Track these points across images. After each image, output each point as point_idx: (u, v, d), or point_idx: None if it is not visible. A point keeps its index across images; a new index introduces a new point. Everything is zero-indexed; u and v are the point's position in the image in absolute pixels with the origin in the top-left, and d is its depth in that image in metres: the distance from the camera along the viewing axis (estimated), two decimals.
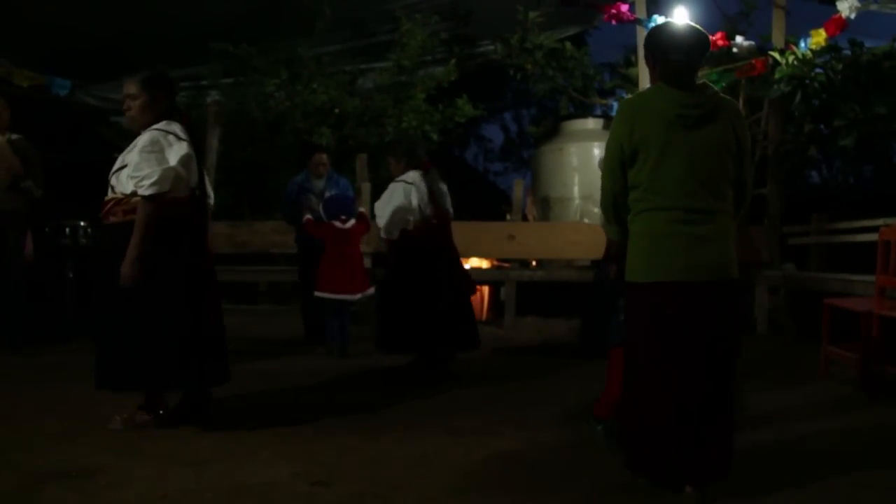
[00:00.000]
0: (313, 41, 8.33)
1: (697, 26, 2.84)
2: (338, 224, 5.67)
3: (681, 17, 7.02)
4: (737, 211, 2.89)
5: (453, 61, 8.76)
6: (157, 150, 3.44)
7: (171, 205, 3.46)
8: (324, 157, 6.30)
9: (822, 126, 7.69)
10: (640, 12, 7.29)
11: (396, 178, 5.07)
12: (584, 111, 9.36)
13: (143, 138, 3.47)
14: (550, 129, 9.78)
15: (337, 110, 8.43)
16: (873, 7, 6.58)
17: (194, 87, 8.73)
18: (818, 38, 6.77)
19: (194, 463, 3.10)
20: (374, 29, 8.84)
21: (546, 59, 8.32)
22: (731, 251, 2.76)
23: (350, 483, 2.92)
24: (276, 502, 2.74)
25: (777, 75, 7.00)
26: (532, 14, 8.03)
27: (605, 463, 3.13)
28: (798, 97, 7.02)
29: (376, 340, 5.09)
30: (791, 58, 6.88)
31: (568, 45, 8.56)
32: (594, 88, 9.02)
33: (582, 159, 8.57)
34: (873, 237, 5.26)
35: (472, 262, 8.06)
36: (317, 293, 5.64)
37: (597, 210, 7.98)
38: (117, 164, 3.54)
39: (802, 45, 6.89)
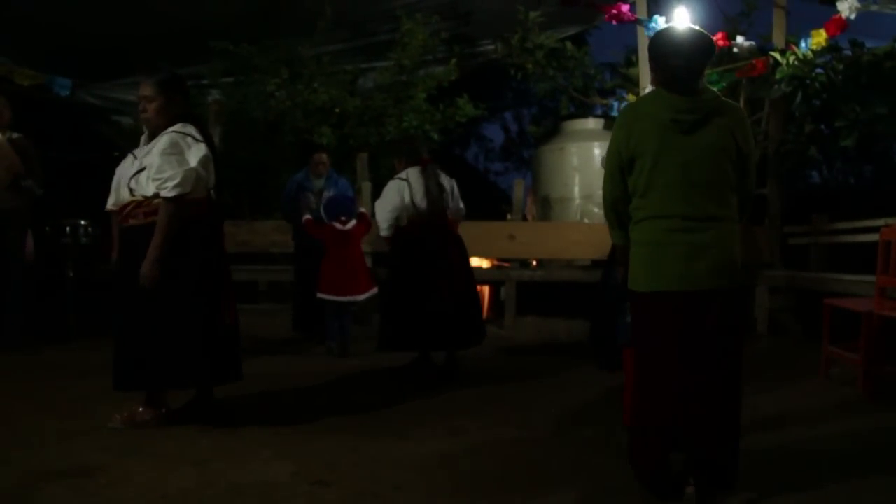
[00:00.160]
0: (314, 40, 8.33)
1: (702, 30, 2.81)
2: (338, 225, 5.66)
3: (681, 18, 7.02)
4: (741, 216, 2.85)
5: (454, 61, 8.76)
6: (177, 152, 3.48)
7: (190, 206, 3.50)
8: (324, 156, 6.30)
9: (822, 126, 7.69)
10: (641, 12, 7.29)
11: (394, 177, 5.08)
12: (585, 111, 9.36)
13: (162, 141, 3.48)
14: (551, 128, 9.78)
15: (338, 110, 8.42)
16: (874, 7, 6.58)
17: (195, 87, 8.70)
18: (819, 38, 6.77)
19: (194, 462, 3.11)
20: (375, 28, 8.83)
21: (547, 59, 8.32)
22: (734, 258, 2.73)
23: (350, 483, 2.92)
24: (276, 502, 2.74)
25: (778, 75, 7.00)
26: (533, 14, 8.03)
27: (605, 463, 3.13)
28: (799, 97, 7.02)
29: (378, 339, 5.10)
30: (792, 58, 6.88)
31: (568, 44, 8.56)
32: (595, 88, 9.02)
33: (582, 159, 8.56)
34: (874, 237, 5.26)
35: (472, 262, 8.05)
36: (319, 295, 5.63)
37: (597, 210, 7.98)
38: (135, 167, 3.55)
39: (803, 45, 6.89)
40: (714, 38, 6.91)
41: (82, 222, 6.47)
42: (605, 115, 9.00)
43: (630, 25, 7.44)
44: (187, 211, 3.49)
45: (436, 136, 8.52)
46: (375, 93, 8.71)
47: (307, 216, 5.83)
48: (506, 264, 8.19)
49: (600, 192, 3.01)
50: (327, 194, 6.06)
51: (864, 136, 6.67)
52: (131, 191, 3.54)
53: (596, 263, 6.87)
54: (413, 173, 4.99)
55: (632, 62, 8.76)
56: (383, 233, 5.07)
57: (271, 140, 8.49)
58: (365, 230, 5.87)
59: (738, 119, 2.77)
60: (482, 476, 3.04)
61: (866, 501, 2.81)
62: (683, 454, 2.74)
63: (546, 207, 8.88)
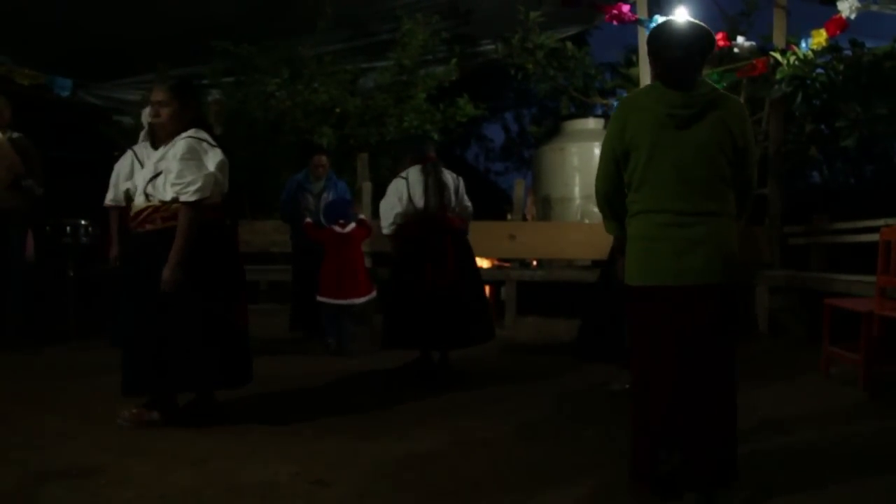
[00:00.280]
0: (314, 40, 8.33)
1: (701, 24, 2.78)
2: (337, 228, 5.69)
3: (682, 18, 7.02)
4: (740, 211, 2.83)
5: (454, 61, 8.76)
6: (195, 157, 3.50)
7: (207, 210, 3.53)
8: (323, 158, 6.32)
9: (823, 126, 7.70)
10: (642, 12, 7.29)
11: (397, 175, 5.09)
12: (585, 111, 9.36)
13: (179, 146, 3.49)
14: (551, 128, 9.78)
15: (338, 110, 8.43)
16: (874, 7, 6.57)
17: (195, 87, 8.72)
18: (819, 38, 6.76)
19: (194, 462, 3.11)
20: (376, 28, 8.84)
21: (547, 59, 8.31)
22: (728, 254, 2.70)
23: (350, 483, 2.92)
24: (276, 502, 2.74)
25: (778, 75, 7.00)
26: (533, 14, 8.03)
27: (605, 463, 3.13)
28: (799, 97, 7.02)
29: (381, 337, 5.10)
30: (792, 58, 6.88)
31: (569, 44, 8.55)
32: (595, 88, 9.02)
33: (583, 159, 8.55)
34: (874, 237, 5.26)
35: None
36: (319, 298, 5.67)
37: (598, 210, 7.97)
38: (150, 172, 3.55)
39: (803, 45, 6.89)
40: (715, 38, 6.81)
41: (83, 222, 6.47)
42: (606, 116, 9.00)
43: (630, 25, 7.44)
44: (205, 215, 3.52)
45: (436, 136, 8.51)
46: (376, 93, 8.71)
47: (308, 220, 5.88)
48: (506, 264, 8.20)
49: None
50: (326, 197, 6.08)
51: (865, 137, 6.66)
52: (147, 196, 3.55)
53: (596, 263, 6.86)
54: (413, 172, 4.99)
55: (632, 62, 8.76)
56: (385, 231, 5.09)
57: (272, 140, 8.50)
58: (365, 234, 5.91)
59: (734, 112, 2.72)
60: (482, 476, 3.03)
61: (867, 501, 2.81)
62: (681, 453, 2.73)
63: (546, 207, 8.88)
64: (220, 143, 3.72)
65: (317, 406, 4.20)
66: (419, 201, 4.91)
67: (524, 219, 8.91)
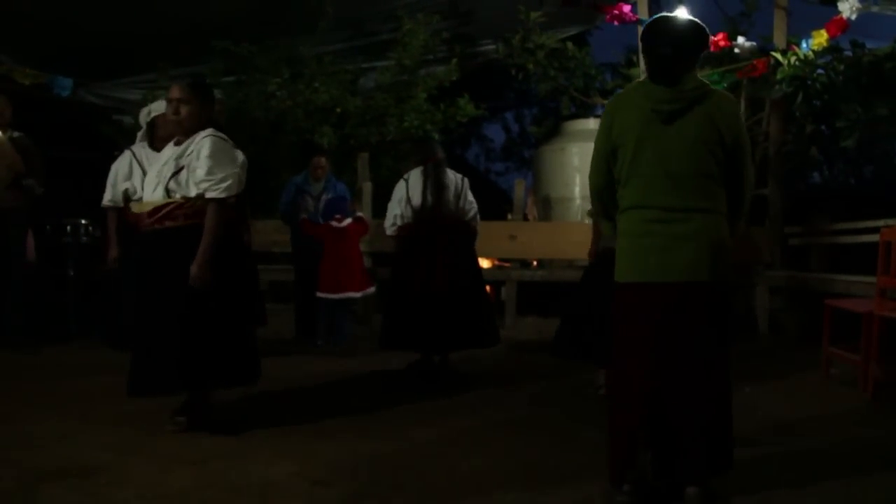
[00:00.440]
0: (315, 40, 8.33)
1: (694, 20, 2.76)
2: (333, 223, 5.78)
3: (680, 16, 7.01)
4: (734, 209, 2.78)
5: (455, 61, 8.76)
6: (224, 154, 3.53)
7: (227, 209, 3.56)
8: (322, 160, 6.34)
9: (823, 127, 7.69)
10: (642, 13, 7.30)
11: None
12: (586, 111, 9.35)
13: (206, 144, 3.48)
14: (552, 129, 9.77)
15: (338, 109, 8.42)
16: (874, 8, 6.58)
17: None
18: (820, 38, 6.77)
19: (194, 462, 3.10)
20: (376, 28, 8.84)
21: (548, 59, 8.31)
22: (717, 251, 2.66)
23: (350, 483, 2.92)
24: (276, 502, 2.74)
25: (778, 76, 7.00)
26: (534, 14, 8.03)
27: (605, 463, 3.13)
28: (799, 98, 7.02)
29: (379, 337, 5.11)
30: (793, 58, 6.88)
31: (569, 44, 8.55)
32: (595, 88, 9.01)
33: (583, 159, 8.54)
34: (874, 238, 5.26)
35: None
36: (319, 294, 5.72)
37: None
38: (172, 168, 3.50)
39: (804, 45, 6.89)
40: (715, 39, 6.88)
41: (83, 222, 6.47)
42: None
43: (631, 26, 7.45)
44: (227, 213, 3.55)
45: (436, 136, 8.51)
46: (376, 92, 8.71)
47: (304, 216, 5.96)
48: (506, 264, 8.20)
49: None
50: (325, 198, 6.11)
51: (865, 137, 6.67)
52: (169, 192, 3.50)
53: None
54: (414, 173, 5.01)
55: (633, 62, 8.76)
56: (387, 232, 5.13)
57: (272, 140, 8.49)
58: (362, 230, 5.97)
59: (722, 108, 2.68)
60: (482, 476, 3.03)
61: (867, 501, 2.81)
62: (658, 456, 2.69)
63: (547, 208, 8.89)
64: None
65: (317, 406, 4.19)
66: (417, 202, 4.91)
67: (525, 219, 8.92)
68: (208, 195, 3.45)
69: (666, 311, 2.65)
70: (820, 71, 6.90)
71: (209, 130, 3.55)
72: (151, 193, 3.55)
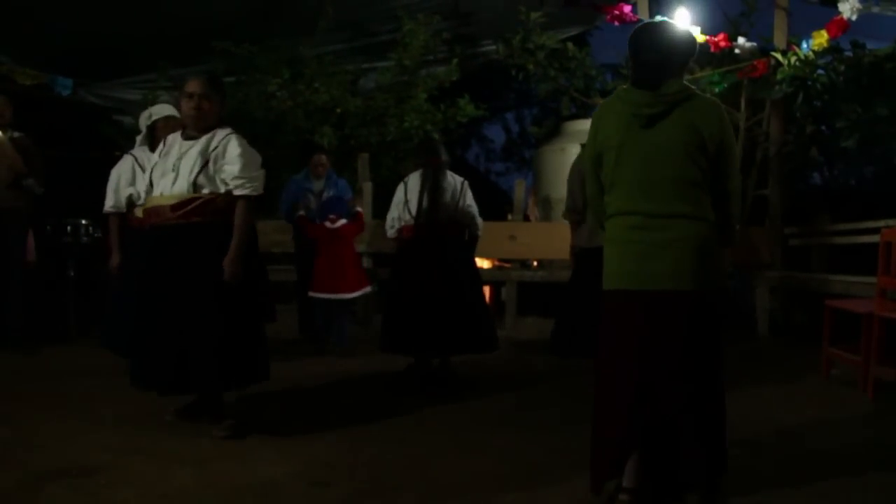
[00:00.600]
0: (315, 40, 8.33)
1: (683, 29, 2.75)
2: (327, 224, 5.77)
3: (682, 19, 7.01)
4: (724, 217, 2.69)
5: (455, 61, 8.76)
6: (251, 153, 3.54)
7: None
8: (323, 157, 6.33)
9: (823, 127, 7.69)
10: (643, 13, 7.30)
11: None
12: (586, 112, 9.33)
13: (234, 141, 3.49)
14: (552, 129, 9.77)
15: (339, 110, 8.42)
16: (875, 9, 6.58)
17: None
18: (820, 39, 6.77)
19: (194, 462, 3.11)
20: (376, 28, 8.83)
21: (548, 60, 8.31)
22: (701, 259, 2.59)
23: (350, 483, 2.92)
24: (276, 502, 2.75)
25: (779, 76, 7.00)
26: (534, 14, 8.03)
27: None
28: (800, 98, 7.03)
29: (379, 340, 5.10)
30: (793, 59, 6.89)
31: (570, 45, 8.55)
32: (596, 89, 9.00)
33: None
34: (874, 238, 5.26)
35: None
36: (311, 294, 5.74)
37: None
38: (198, 163, 3.44)
39: (804, 46, 6.89)
40: (715, 39, 6.89)
41: (83, 222, 6.47)
42: None
43: (631, 26, 7.41)
44: None
45: (437, 137, 8.51)
46: (377, 93, 8.71)
47: (301, 212, 5.96)
48: (506, 265, 8.19)
49: None
50: (327, 195, 6.09)
51: (865, 138, 6.67)
52: (194, 187, 3.44)
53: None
54: (413, 176, 5.01)
55: None
56: (388, 235, 5.14)
57: (272, 140, 8.49)
58: (357, 230, 5.96)
59: (704, 113, 2.61)
60: (482, 476, 3.03)
61: (867, 501, 2.81)
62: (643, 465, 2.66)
63: (547, 208, 8.88)
64: None
65: (317, 407, 4.20)
66: (413, 205, 4.91)
67: (525, 219, 8.91)
68: (239, 192, 3.46)
69: (649, 319, 2.62)
70: (820, 71, 6.90)
71: (229, 129, 3.56)
72: (171, 187, 3.47)
